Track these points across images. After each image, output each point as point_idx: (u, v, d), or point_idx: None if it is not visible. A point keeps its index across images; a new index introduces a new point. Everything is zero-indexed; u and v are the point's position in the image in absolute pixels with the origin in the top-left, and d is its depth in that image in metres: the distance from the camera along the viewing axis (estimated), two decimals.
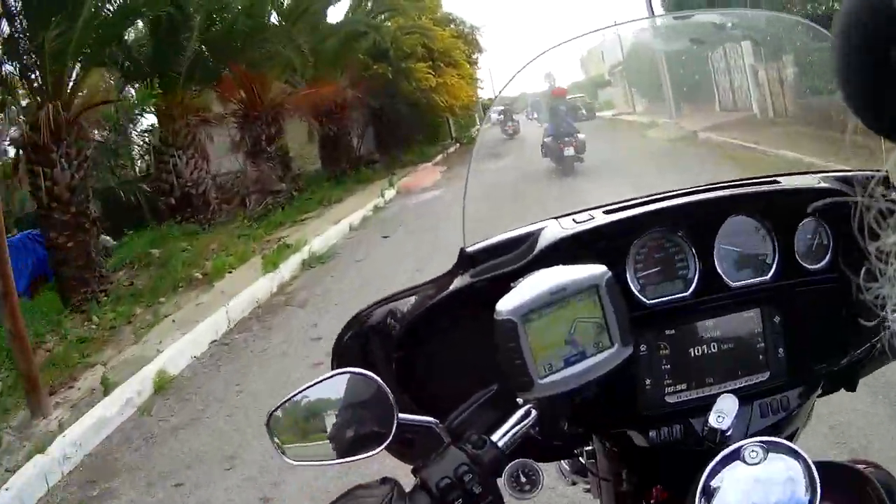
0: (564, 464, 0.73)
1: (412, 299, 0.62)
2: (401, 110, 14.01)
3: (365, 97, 12.83)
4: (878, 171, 0.68)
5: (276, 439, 0.47)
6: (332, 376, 0.49)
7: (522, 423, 0.51)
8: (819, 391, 0.65)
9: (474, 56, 18.62)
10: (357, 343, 0.61)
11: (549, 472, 0.63)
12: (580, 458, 0.70)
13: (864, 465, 0.57)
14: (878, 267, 0.32)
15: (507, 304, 0.50)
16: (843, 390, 0.68)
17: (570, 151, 1.79)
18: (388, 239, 5.85)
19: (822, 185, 0.65)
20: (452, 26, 16.90)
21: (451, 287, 0.61)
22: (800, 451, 0.46)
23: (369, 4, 12.18)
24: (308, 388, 0.48)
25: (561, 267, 0.53)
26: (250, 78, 9.02)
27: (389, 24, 13.38)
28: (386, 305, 0.62)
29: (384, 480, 0.44)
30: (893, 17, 0.23)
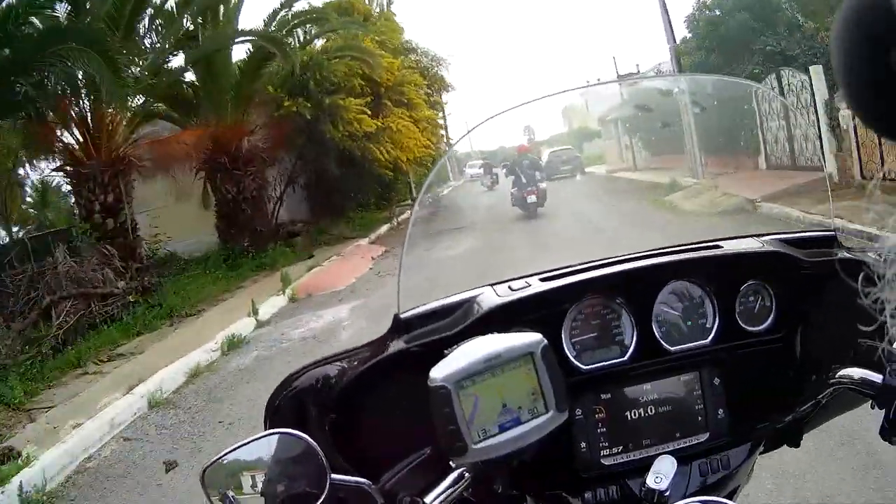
0: None
1: (346, 363, 0.96)
2: (330, 164, 14.55)
3: (278, 146, 13.14)
4: (827, 230, 1.12)
5: (209, 494, 0.77)
6: (264, 436, 0.79)
7: (456, 487, 0.82)
8: (761, 448, 1.01)
9: (440, 96, 19.89)
10: (290, 404, 0.94)
11: None
12: None
13: None
14: (876, 271, 0.45)
15: (440, 372, 0.81)
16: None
17: (532, 199, 3.17)
18: (172, 473, 4.27)
19: (765, 248, 1.05)
20: (413, 57, 18.17)
21: (385, 352, 0.95)
22: None
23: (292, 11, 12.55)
24: (241, 446, 0.79)
25: (496, 335, 0.86)
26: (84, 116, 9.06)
27: (323, 43, 14.16)
28: (319, 368, 0.95)
29: None
30: (893, 18, 0.34)
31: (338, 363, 0.96)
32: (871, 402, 0.87)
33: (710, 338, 0.98)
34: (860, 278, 0.57)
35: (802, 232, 1.12)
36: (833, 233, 1.10)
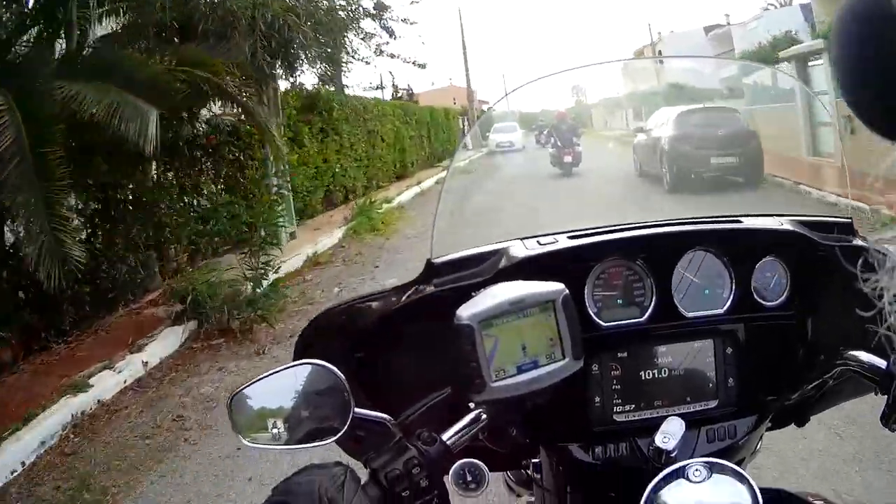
0: (510, 475, 1.06)
1: (376, 303, 1.01)
2: None
3: None
4: (843, 217, 1.14)
5: (235, 419, 0.82)
6: (295, 365, 0.84)
7: (472, 426, 0.87)
8: (768, 424, 1.05)
9: None
10: (320, 339, 1.00)
11: (496, 481, 0.98)
12: (526, 471, 1.05)
13: (813, 497, 0.92)
14: (876, 258, 0.49)
15: (467, 310, 0.86)
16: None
17: (568, 159, 3.53)
18: None
19: (784, 227, 1.09)
20: None
21: (415, 294, 1.01)
22: (745, 474, 0.77)
23: None
24: (271, 374, 0.84)
25: (522, 281, 0.91)
26: None
27: None
28: (351, 307, 1.01)
29: (337, 464, 0.78)
30: (893, 18, 0.34)
31: (368, 303, 1.03)
32: (875, 388, 0.90)
33: (725, 307, 1.02)
34: (859, 264, 0.58)
35: (822, 216, 1.16)
36: (850, 219, 1.14)
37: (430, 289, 1.02)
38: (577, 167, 3.57)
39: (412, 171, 17.48)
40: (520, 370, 0.88)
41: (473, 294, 0.90)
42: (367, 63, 10.90)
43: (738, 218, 1.12)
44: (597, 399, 0.99)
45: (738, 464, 0.98)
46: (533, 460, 1.04)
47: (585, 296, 1.00)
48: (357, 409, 0.82)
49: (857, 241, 1.09)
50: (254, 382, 0.84)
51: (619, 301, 1.02)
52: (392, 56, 11.07)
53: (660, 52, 32.49)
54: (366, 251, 8.86)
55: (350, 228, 9.92)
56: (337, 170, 11.79)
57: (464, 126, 24.71)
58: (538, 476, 1.07)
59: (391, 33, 10.36)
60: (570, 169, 3.67)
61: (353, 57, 10.11)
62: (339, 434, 0.82)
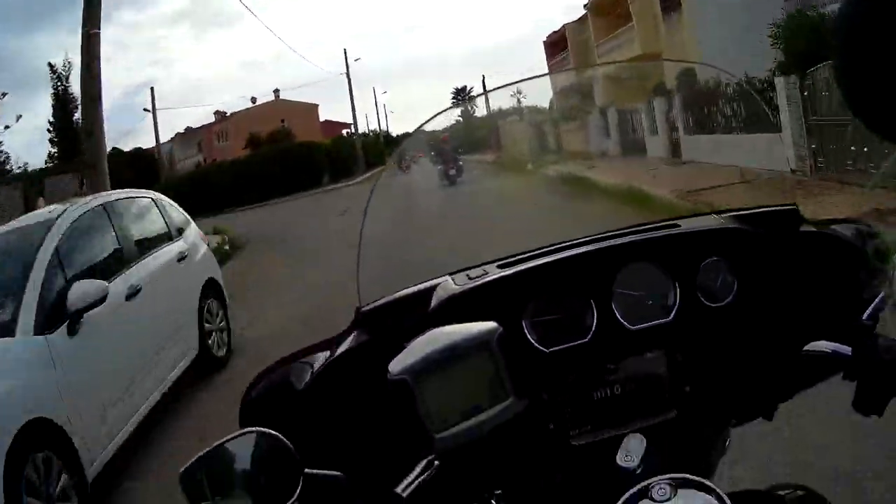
0: None
1: (312, 357, 0.97)
2: None
3: None
4: (787, 205, 1.14)
5: (188, 494, 0.77)
6: (239, 435, 0.79)
7: (425, 474, 0.83)
8: (734, 422, 1.04)
9: None
10: (262, 402, 0.95)
11: None
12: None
13: (788, 490, 0.91)
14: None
15: (399, 365, 0.83)
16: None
17: (452, 172, 4.39)
18: None
19: (724, 225, 1.06)
20: None
21: (346, 347, 0.97)
22: (710, 484, 0.70)
23: None
24: (217, 446, 0.78)
25: (453, 326, 0.88)
26: None
27: None
28: (287, 365, 0.96)
29: None
30: (893, 18, 0.34)
31: (304, 359, 0.98)
32: (842, 373, 0.89)
33: (671, 315, 1.00)
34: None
35: (763, 207, 1.14)
36: (794, 206, 1.12)
37: (361, 338, 0.97)
38: (461, 177, 3.87)
39: None
40: (464, 417, 0.85)
41: (405, 345, 0.87)
42: None
43: (675, 222, 1.09)
44: (551, 426, 0.96)
45: (710, 469, 0.99)
46: (496, 492, 0.98)
47: (524, 323, 0.97)
48: (308, 470, 0.78)
49: (805, 227, 1.07)
50: (202, 455, 0.79)
51: (561, 323, 0.99)
52: None
53: None
54: None
55: None
56: None
57: None
58: None
59: None
60: (455, 179, 3.98)
61: None
62: (294, 497, 0.77)
